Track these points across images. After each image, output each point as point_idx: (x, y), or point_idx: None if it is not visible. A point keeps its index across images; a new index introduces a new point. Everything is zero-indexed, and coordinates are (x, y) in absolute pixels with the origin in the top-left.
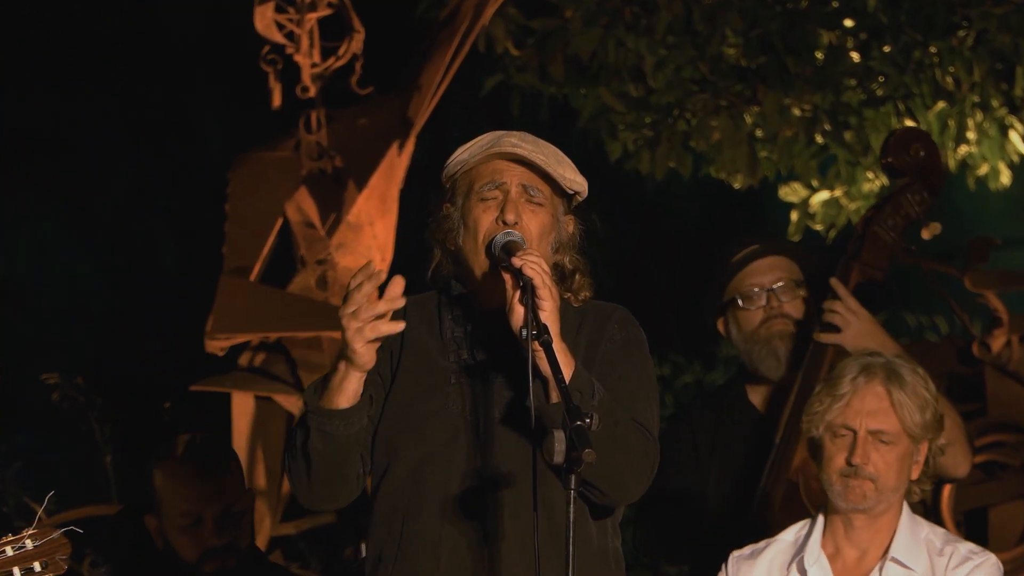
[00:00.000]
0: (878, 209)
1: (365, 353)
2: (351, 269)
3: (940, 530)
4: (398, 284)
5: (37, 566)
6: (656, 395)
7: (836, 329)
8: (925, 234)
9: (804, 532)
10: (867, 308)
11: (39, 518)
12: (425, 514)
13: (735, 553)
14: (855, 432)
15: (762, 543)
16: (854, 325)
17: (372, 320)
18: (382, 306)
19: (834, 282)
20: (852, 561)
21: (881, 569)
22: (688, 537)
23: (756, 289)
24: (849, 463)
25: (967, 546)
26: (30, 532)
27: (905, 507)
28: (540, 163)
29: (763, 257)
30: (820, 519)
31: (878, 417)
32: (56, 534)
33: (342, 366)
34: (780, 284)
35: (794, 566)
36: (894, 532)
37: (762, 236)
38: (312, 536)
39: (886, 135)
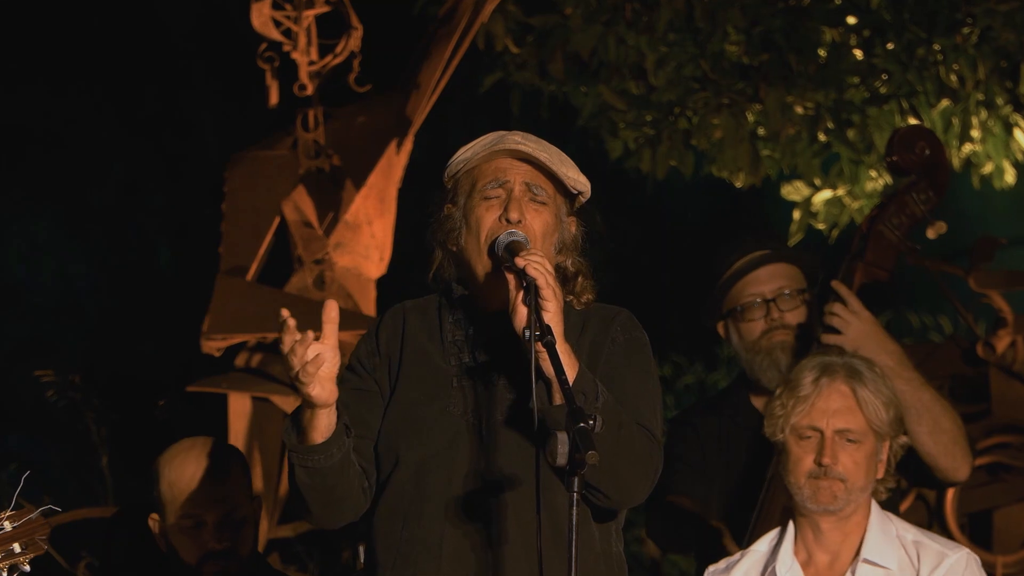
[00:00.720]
0: (883, 208)
1: (321, 394)
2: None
3: (910, 526)
4: (331, 307)
5: (16, 547)
6: (660, 398)
7: (837, 331)
8: (931, 233)
9: (776, 540)
10: (872, 308)
11: (15, 499)
12: (426, 517)
13: (711, 568)
14: (822, 432)
15: (736, 555)
16: (855, 326)
17: (304, 365)
18: (300, 350)
19: (836, 284)
20: (824, 565)
21: (854, 572)
22: (695, 536)
23: (757, 300)
24: (819, 464)
25: (939, 542)
26: (8, 514)
27: (874, 506)
28: (544, 161)
29: (764, 266)
30: (791, 526)
31: (844, 416)
32: (34, 514)
33: (306, 411)
34: (781, 294)
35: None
36: (864, 533)
37: (762, 235)
38: (310, 539)
39: (890, 133)
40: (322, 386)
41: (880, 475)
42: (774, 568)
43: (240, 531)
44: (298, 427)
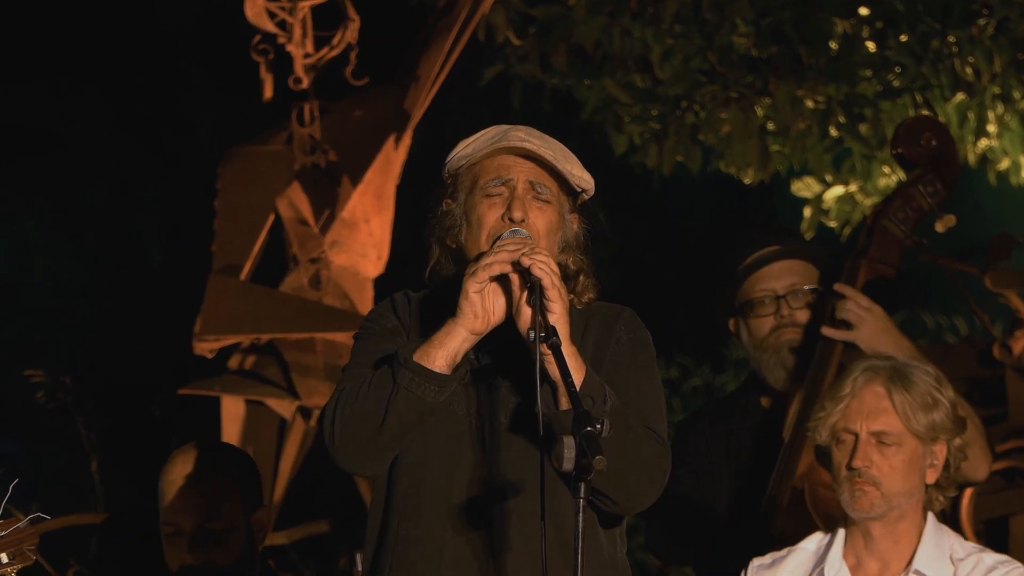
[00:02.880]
0: (888, 202)
1: (476, 302)
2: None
3: (964, 541)
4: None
5: (4, 557)
6: (663, 399)
7: (849, 326)
8: (939, 227)
9: (826, 542)
10: (883, 308)
11: (3, 507)
12: (425, 517)
13: (756, 561)
14: (856, 435)
15: (783, 551)
16: (869, 322)
17: (497, 267)
18: (506, 254)
19: (839, 286)
20: (873, 573)
21: None
22: (697, 543)
23: (768, 296)
24: (850, 467)
25: (993, 556)
26: None
27: (931, 517)
28: (549, 158)
29: (777, 260)
30: (841, 530)
31: (879, 418)
32: (23, 523)
33: (449, 322)
34: (793, 291)
35: None
36: (917, 542)
37: (779, 229)
38: (305, 546)
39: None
40: (483, 300)
41: (931, 480)
42: (822, 570)
43: (221, 541)
44: (415, 348)
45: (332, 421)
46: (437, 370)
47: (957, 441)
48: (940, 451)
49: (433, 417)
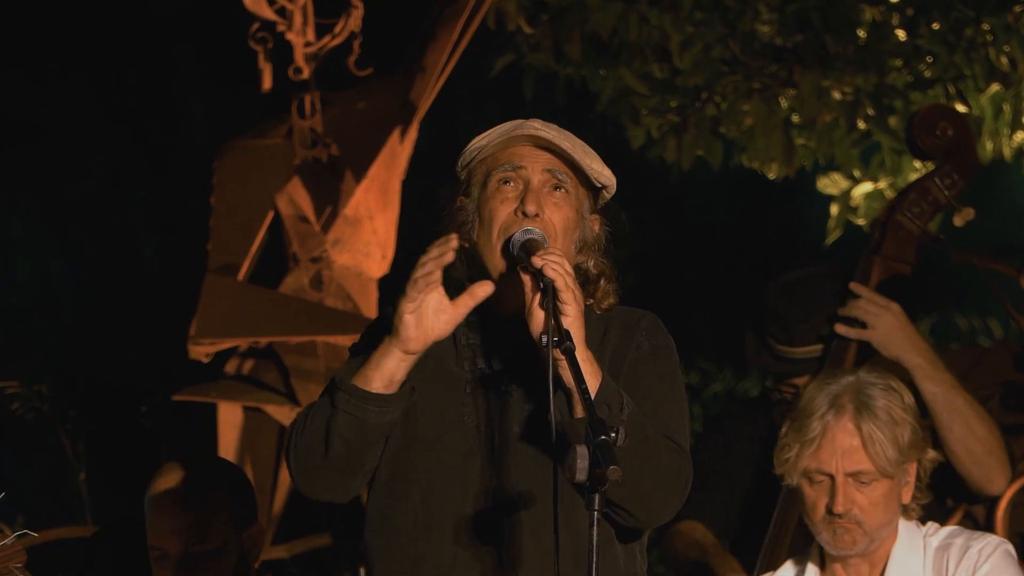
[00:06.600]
0: (902, 196)
1: (410, 324)
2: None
3: (943, 528)
4: (483, 287)
5: None
6: (686, 408)
7: (863, 325)
8: (957, 221)
9: (801, 566)
10: (911, 308)
11: None
12: (436, 536)
13: None
14: (832, 477)
15: None
16: (885, 320)
17: (426, 275)
18: (432, 265)
19: (853, 286)
20: None
21: None
22: (699, 566)
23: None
24: (831, 512)
25: (966, 535)
26: None
27: (901, 524)
28: (567, 150)
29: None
30: (816, 552)
31: (854, 457)
32: (10, 540)
33: (385, 340)
34: None
35: None
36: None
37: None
38: (306, 560)
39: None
40: (419, 320)
41: (907, 499)
42: None
43: (209, 565)
44: (357, 369)
45: (288, 449)
46: (374, 391)
47: (930, 454)
48: (912, 469)
49: (438, 434)
